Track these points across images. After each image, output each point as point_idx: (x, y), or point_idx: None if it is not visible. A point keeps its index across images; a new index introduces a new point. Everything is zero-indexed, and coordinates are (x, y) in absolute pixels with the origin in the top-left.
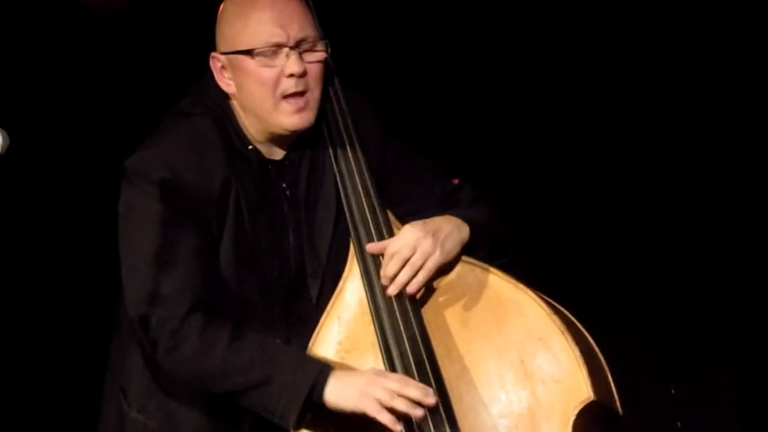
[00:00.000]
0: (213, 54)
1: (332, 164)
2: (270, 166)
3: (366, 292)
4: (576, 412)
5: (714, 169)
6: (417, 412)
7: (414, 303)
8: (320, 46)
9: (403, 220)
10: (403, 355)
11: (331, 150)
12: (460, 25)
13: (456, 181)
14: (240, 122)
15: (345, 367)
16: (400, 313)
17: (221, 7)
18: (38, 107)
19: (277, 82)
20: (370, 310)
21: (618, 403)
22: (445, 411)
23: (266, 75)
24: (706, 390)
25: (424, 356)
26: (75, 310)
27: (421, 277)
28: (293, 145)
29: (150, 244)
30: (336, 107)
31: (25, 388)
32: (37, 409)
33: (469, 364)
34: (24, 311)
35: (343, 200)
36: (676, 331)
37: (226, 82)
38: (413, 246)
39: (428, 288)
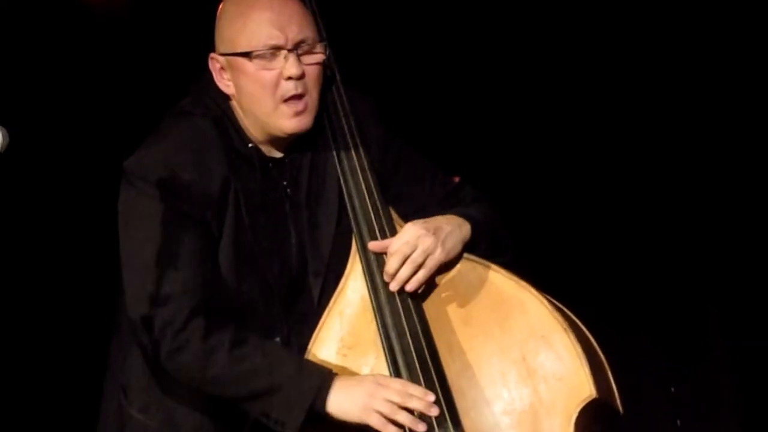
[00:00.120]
0: (212, 55)
1: (334, 162)
2: (271, 165)
3: (368, 289)
4: (578, 409)
5: (714, 169)
6: (419, 428)
7: (416, 300)
8: (319, 48)
9: (405, 218)
10: (405, 352)
11: (333, 148)
12: (460, 25)
13: (457, 179)
14: (240, 122)
15: (345, 367)
16: (402, 310)
17: (220, 7)
18: (38, 106)
19: (276, 85)
20: (372, 308)
21: (618, 402)
22: (447, 408)
23: (265, 77)
24: (705, 389)
25: (426, 353)
26: (75, 309)
27: (422, 275)
28: (294, 144)
29: (150, 245)
30: (338, 106)
31: (25, 387)
32: (38, 408)
33: (471, 361)
34: (24, 310)
35: (346, 198)
36: (676, 330)
37: (225, 83)
38: (414, 244)
39: (430, 285)
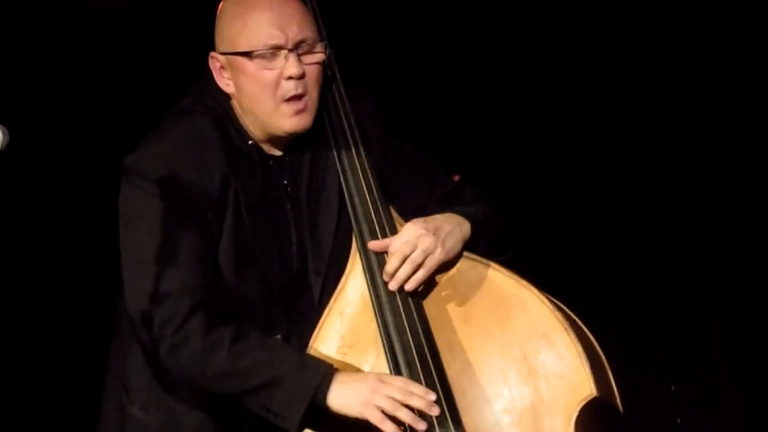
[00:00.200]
0: (212, 54)
1: (335, 161)
2: (271, 163)
3: (368, 288)
4: (579, 408)
5: (714, 169)
6: (420, 427)
7: (416, 299)
8: (319, 48)
9: (405, 217)
10: (405, 350)
11: (333, 147)
12: (460, 24)
13: (457, 178)
14: (240, 121)
15: (348, 365)
16: (402, 308)
17: (220, 6)
18: (39, 105)
19: (276, 85)
20: (373, 306)
21: (619, 401)
22: (448, 407)
23: (265, 77)
24: (706, 389)
25: (427, 352)
26: (76, 308)
27: (421, 275)
28: (295, 143)
29: (150, 243)
30: (338, 105)
31: (26, 385)
32: (38, 407)
33: (472, 360)
34: (24, 308)
35: (346, 196)
36: (676, 330)
37: (225, 82)
38: (414, 243)
39: (431, 284)
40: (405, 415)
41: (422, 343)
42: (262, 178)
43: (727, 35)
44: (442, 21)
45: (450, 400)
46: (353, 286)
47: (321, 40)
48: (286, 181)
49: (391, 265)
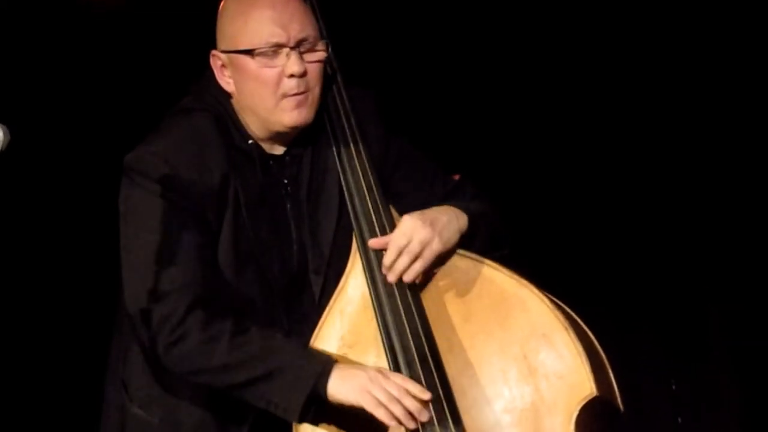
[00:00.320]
0: (213, 52)
1: (335, 160)
2: (271, 162)
3: (369, 287)
4: (579, 407)
5: (714, 168)
6: (410, 424)
7: (417, 298)
8: (321, 46)
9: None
10: (405, 349)
11: (333, 146)
12: (461, 23)
13: (457, 177)
14: (241, 119)
15: (348, 362)
16: (402, 307)
17: (222, 4)
18: (39, 104)
19: (277, 83)
20: (373, 305)
21: (619, 400)
22: (448, 406)
23: (267, 75)
24: (706, 388)
25: (427, 351)
26: (76, 306)
27: (419, 266)
28: (295, 141)
29: (150, 242)
30: (338, 104)
31: (26, 384)
32: (39, 406)
33: (472, 359)
34: (25, 306)
35: (346, 195)
36: (676, 330)
37: (226, 80)
38: (410, 234)
39: (431, 283)
40: (398, 410)
41: (422, 342)
42: (262, 177)
43: (727, 35)
44: (442, 20)
45: (450, 399)
46: (353, 285)
47: (322, 38)
48: (286, 180)
49: (388, 257)
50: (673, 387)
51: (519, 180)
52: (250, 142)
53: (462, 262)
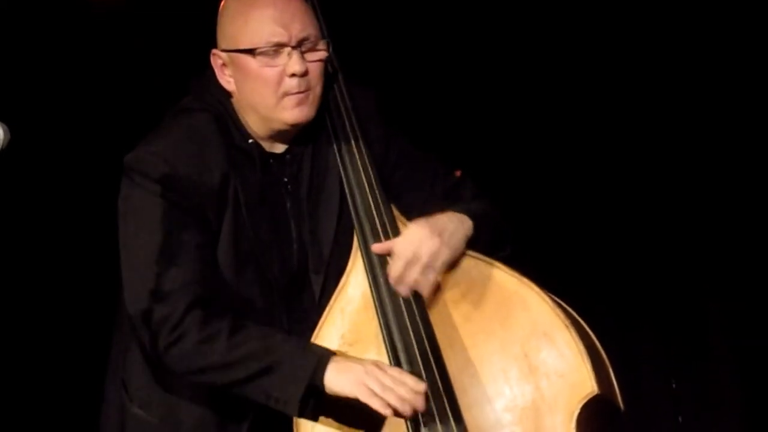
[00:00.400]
0: (214, 51)
1: (335, 158)
2: (271, 160)
3: (370, 285)
4: (580, 406)
5: (715, 167)
6: (406, 410)
7: (418, 297)
8: (322, 45)
9: (406, 215)
10: (407, 348)
11: (334, 144)
12: (462, 21)
13: (458, 173)
14: (241, 118)
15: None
16: (404, 307)
17: (222, 3)
18: (40, 104)
19: (279, 82)
20: (374, 304)
21: (620, 398)
22: (449, 404)
23: (268, 74)
24: (706, 387)
25: (428, 350)
26: (77, 305)
27: (432, 277)
28: (295, 140)
29: (150, 241)
30: (339, 103)
31: (26, 383)
32: (39, 405)
33: (473, 357)
34: (25, 305)
35: (347, 194)
36: (677, 328)
37: (226, 79)
38: (419, 246)
39: None
40: (393, 399)
41: (423, 341)
42: (262, 176)
43: (727, 35)
44: (443, 19)
45: (451, 397)
46: (354, 284)
47: (323, 38)
48: (286, 179)
49: (395, 269)
50: (674, 386)
51: (520, 179)
52: (250, 141)
53: (463, 261)
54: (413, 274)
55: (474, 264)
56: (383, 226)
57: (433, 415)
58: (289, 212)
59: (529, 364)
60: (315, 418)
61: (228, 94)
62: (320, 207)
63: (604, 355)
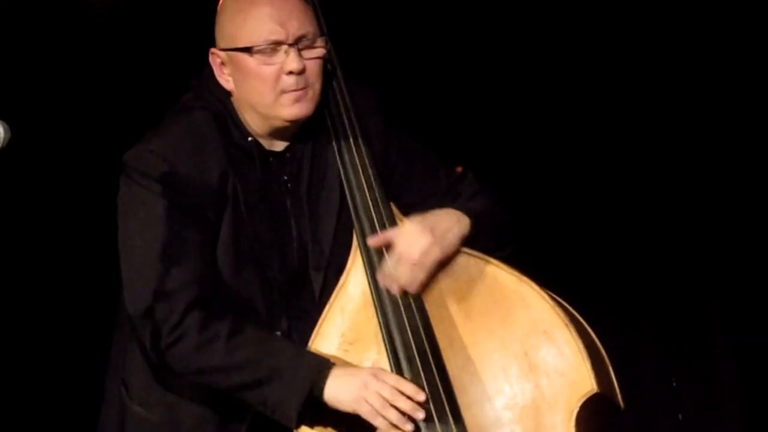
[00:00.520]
0: (212, 50)
1: (335, 156)
2: (271, 159)
3: (369, 284)
4: (579, 404)
5: (716, 166)
6: (407, 427)
7: (417, 295)
8: (319, 43)
9: (405, 212)
10: (406, 346)
11: (334, 142)
12: (461, 18)
13: (459, 170)
14: (240, 117)
15: (346, 362)
16: (403, 305)
17: (221, 2)
18: (40, 102)
19: (276, 80)
20: (374, 302)
21: (620, 397)
22: (448, 403)
23: (266, 72)
24: (707, 386)
25: (428, 349)
26: (77, 304)
27: (422, 275)
28: (295, 138)
29: (149, 240)
30: (339, 100)
31: (27, 382)
32: (39, 404)
33: (473, 356)
34: (25, 305)
35: (347, 192)
36: (677, 327)
37: (225, 78)
38: (410, 243)
39: (432, 281)
40: (392, 415)
41: (423, 339)
42: (262, 175)
43: (727, 35)
44: (443, 16)
45: (451, 396)
46: (354, 282)
47: (321, 35)
48: (286, 177)
49: (387, 267)
50: (674, 384)
51: (520, 177)
52: (249, 139)
53: (462, 260)
54: (403, 272)
55: (474, 262)
56: (382, 224)
57: (432, 415)
58: (289, 210)
59: (529, 363)
60: (313, 423)
61: (227, 93)
62: (320, 205)
63: (604, 354)
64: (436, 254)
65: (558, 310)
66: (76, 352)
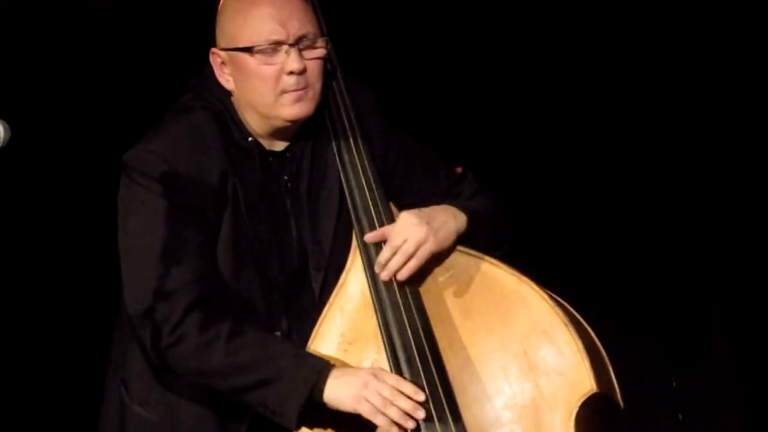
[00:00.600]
0: (213, 49)
1: (335, 156)
2: (271, 159)
3: (369, 283)
4: (579, 404)
5: (716, 166)
6: (408, 424)
7: (417, 295)
8: (320, 43)
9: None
10: (405, 346)
11: (333, 142)
12: (461, 18)
13: (459, 170)
14: (240, 116)
15: (346, 362)
16: (402, 305)
17: (221, 2)
18: (40, 102)
19: (277, 80)
20: (373, 302)
21: (619, 396)
22: (447, 403)
23: (266, 72)
24: (707, 386)
25: (427, 348)
26: (77, 304)
27: (413, 264)
28: (295, 138)
29: (149, 240)
30: (338, 100)
31: (27, 382)
32: (39, 403)
33: (472, 355)
34: (25, 304)
35: (346, 192)
36: (677, 327)
37: (225, 78)
38: (406, 233)
39: (431, 280)
40: (393, 413)
41: (422, 339)
42: (262, 175)
43: (727, 35)
44: (443, 16)
45: (450, 396)
46: (354, 281)
47: (322, 35)
48: (286, 177)
49: (382, 255)
50: (674, 384)
51: (520, 177)
52: (249, 139)
53: (462, 259)
54: (396, 261)
55: (473, 262)
56: (381, 224)
57: (431, 415)
58: (289, 210)
59: (529, 362)
60: (313, 424)
61: (227, 93)
62: (320, 205)
63: (604, 353)
64: (430, 245)
65: (558, 309)
66: (76, 351)
